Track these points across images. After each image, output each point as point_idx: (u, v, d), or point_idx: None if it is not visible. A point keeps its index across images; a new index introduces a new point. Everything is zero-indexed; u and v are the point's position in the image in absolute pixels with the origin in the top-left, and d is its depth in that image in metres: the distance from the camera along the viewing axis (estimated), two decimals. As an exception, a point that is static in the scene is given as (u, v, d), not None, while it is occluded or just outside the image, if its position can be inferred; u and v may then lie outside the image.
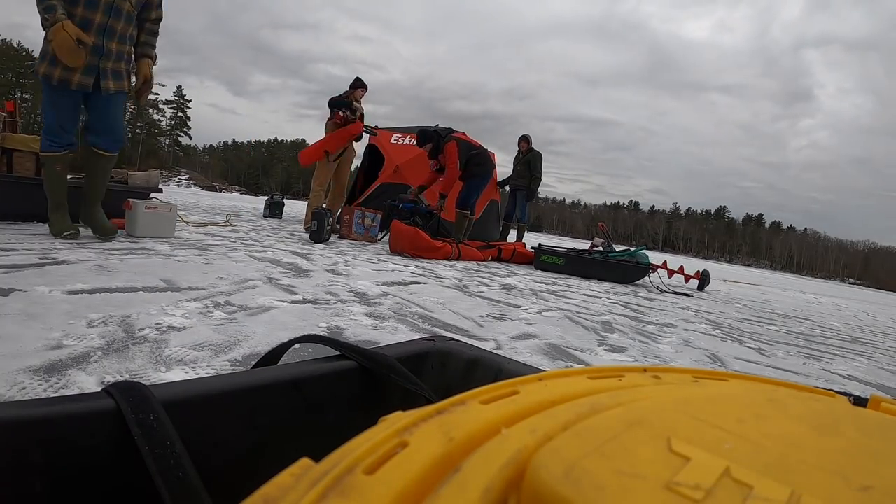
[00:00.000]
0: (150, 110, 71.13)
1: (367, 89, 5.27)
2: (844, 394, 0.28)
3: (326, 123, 5.13)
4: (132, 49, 2.57)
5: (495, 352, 0.48)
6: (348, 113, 5.01)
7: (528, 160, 6.33)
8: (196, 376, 0.51)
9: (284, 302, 1.59)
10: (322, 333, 0.92)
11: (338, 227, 4.84)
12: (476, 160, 4.78)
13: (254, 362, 0.42)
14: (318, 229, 3.91)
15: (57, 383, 0.78)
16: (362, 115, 5.21)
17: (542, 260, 4.43)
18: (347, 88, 5.22)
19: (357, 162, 6.39)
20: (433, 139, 4.74)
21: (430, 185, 4.94)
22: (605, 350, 1.61)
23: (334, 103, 5.03)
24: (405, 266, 3.15)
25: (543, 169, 6.45)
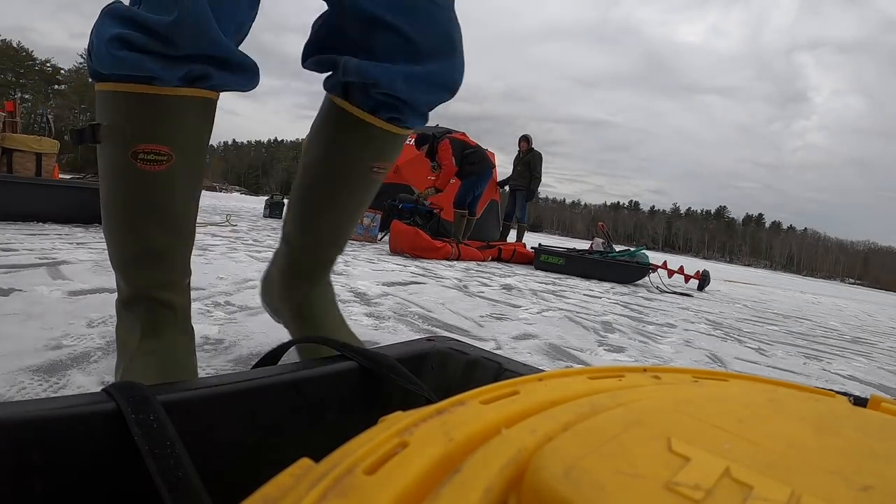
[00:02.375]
0: (150, 110, 71.12)
1: None
2: (844, 394, 0.28)
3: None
4: None
5: (495, 352, 0.48)
6: None
7: (528, 160, 6.33)
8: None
9: (284, 302, 1.59)
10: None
11: None
12: (470, 159, 4.80)
13: (254, 362, 0.42)
14: (318, 229, 3.90)
15: (57, 383, 0.77)
16: None
17: (542, 260, 4.43)
18: None
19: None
20: (428, 141, 4.77)
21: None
22: (605, 350, 1.61)
23: None
24: (405, 266, 3.15)
25: (543, 169, 6.45)
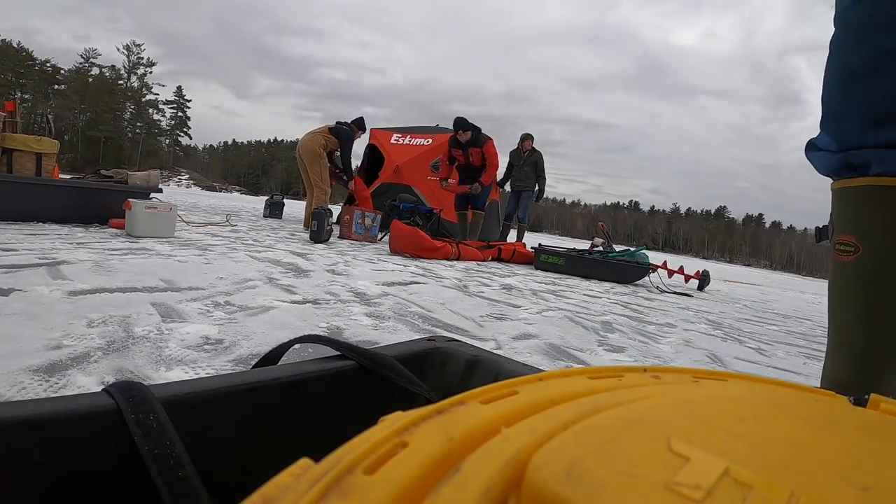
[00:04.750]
0: (150, 110, 71.17)
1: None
2: (844, 394, 0.28)
3: (321, 149, 5.12)
4: None
5: (495, 352, 0.48)
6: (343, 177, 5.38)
7: (535, 161, 6.31)
8: (196, 376, 0.51)
9: (284, 302, 1.59)
10: (322, 333, 0.92)
11: (335, 224, 4.79)
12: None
13: (254, 362, 0.42)
14: (318, 229, 3.91)
15: (57, 383, 0.77)
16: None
17: (542, 260, 4.43)
18: (352, 123, 5.33)
19: (357, 162, 6.44)
20: (473, 129, 4.82)
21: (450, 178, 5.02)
22: (605, 350, 1.61)
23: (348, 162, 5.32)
24: (405, 266, 3.15)
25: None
